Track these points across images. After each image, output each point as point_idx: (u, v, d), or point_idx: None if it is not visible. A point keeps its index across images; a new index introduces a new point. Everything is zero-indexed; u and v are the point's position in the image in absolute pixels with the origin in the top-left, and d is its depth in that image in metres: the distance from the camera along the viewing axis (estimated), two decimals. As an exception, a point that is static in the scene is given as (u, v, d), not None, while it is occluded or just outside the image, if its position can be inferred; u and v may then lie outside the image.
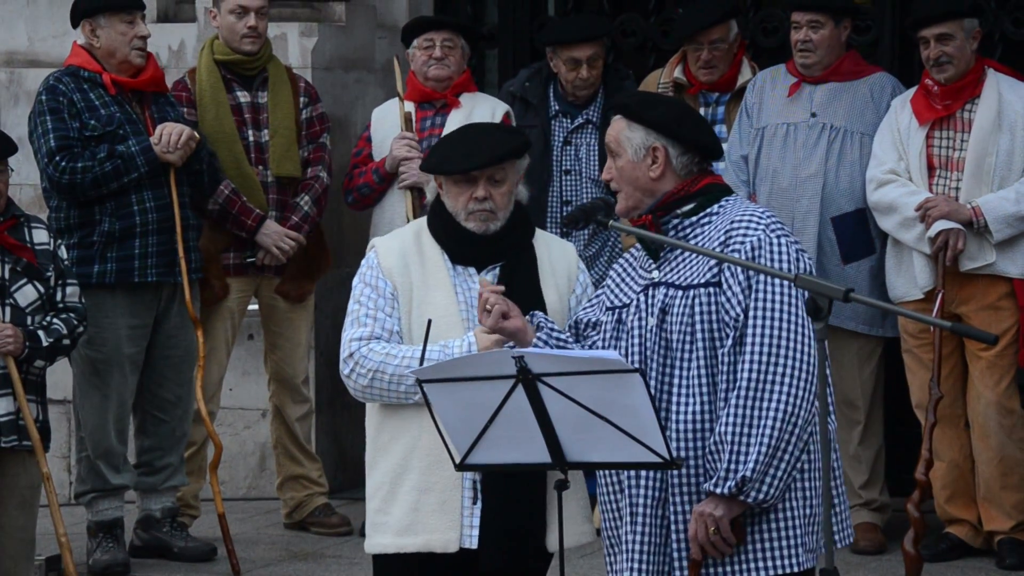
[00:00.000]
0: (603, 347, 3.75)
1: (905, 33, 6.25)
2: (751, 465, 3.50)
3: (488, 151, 3.90)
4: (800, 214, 5.82)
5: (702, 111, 6.13)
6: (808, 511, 3.63)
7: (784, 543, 3.61)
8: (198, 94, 6.08)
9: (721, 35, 6.05)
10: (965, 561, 5.72)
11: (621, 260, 3.85)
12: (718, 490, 3.53)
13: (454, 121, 6.12)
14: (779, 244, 3.60)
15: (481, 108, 6.18)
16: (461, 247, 3.96)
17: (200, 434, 6.06)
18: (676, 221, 3.68)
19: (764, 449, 3.50)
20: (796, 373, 3.54)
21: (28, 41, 7.03)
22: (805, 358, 3.55)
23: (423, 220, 4.06)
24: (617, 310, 3.75)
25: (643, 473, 3.64)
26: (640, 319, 3.67)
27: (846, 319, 5.81)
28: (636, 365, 3.65)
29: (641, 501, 3.64)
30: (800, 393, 3.54)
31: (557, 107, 6.32)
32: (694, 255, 3.65)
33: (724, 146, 6.04)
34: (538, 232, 4.06)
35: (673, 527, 3.63)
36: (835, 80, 5.91)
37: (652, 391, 3.60)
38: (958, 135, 5.68)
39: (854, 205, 5.80)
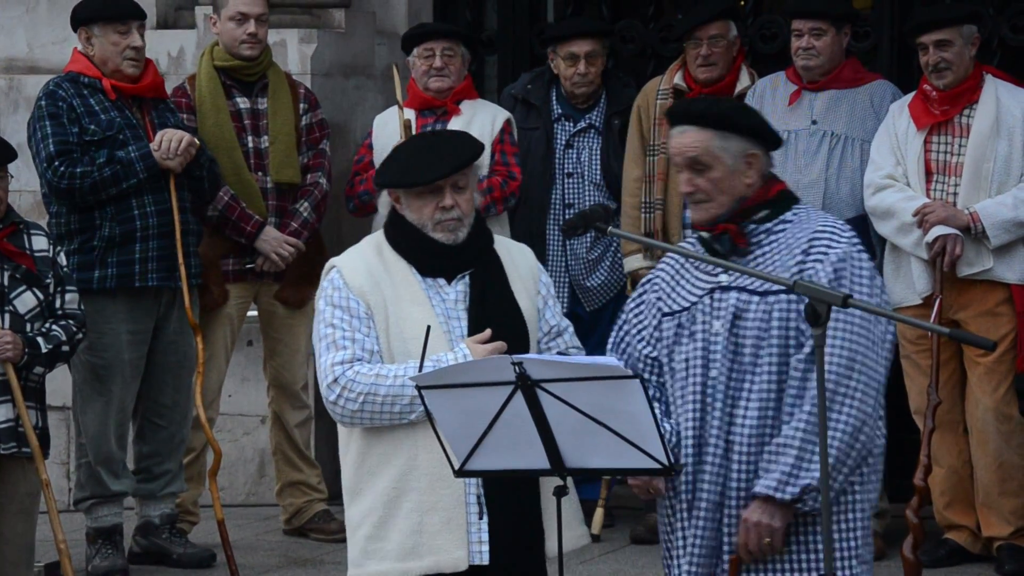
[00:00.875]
0: (665, 352, 3.71)
1: (904, 39, 6.26)
2: (815, 474, 3.50)
3: (451, 158, 3.84)
4: (800, 220, 5.83)
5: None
6: (864, 523, 3.65)
7: (842, 548, 3.61)
8: (198, 100, 6.08)
9: (720, 31, 6.07)
10: (964, 567, 5.72)
11: (666, 263, 3.80)
12: (777, 495, 3.52)
13: (454, 127, 6.12)
14: (860, 259, 3.63)
15: (482, 115, 6.19)
16: (429, 259, 3.89)
17: (199, 440, 6.06)
18: (752, 227, 3.68)
19: (833, 461, 3.51)
20: (867, 388, 3.57)
21: (28, 48, 7.04)
22: (878, 374, 3.59)
23: (379, 235, 3.98)
24: (677, 315, 3.71)
25: (705, 476, 3.62)
26: (704, 323, 3.66)
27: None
28: (698, 369, 3.65)
29: (703, 504, 3.63)
30: (868, 409, 3.58)
31: (560, 110, 6.33)
32: (771, 259, 3.62)
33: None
34: (496, 237, 4.01)
35: (726, 530, 3.63)
36: (835, 88, 5.92)
37: (719, 396, 3.60)
38: (956, 140, 5.69)
39: (855, 212, 5.81)
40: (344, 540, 6.22)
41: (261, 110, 6.14)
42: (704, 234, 3.71)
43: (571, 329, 4.05)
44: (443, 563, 3.81)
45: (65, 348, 5.10)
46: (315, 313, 3.92)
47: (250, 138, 6.11)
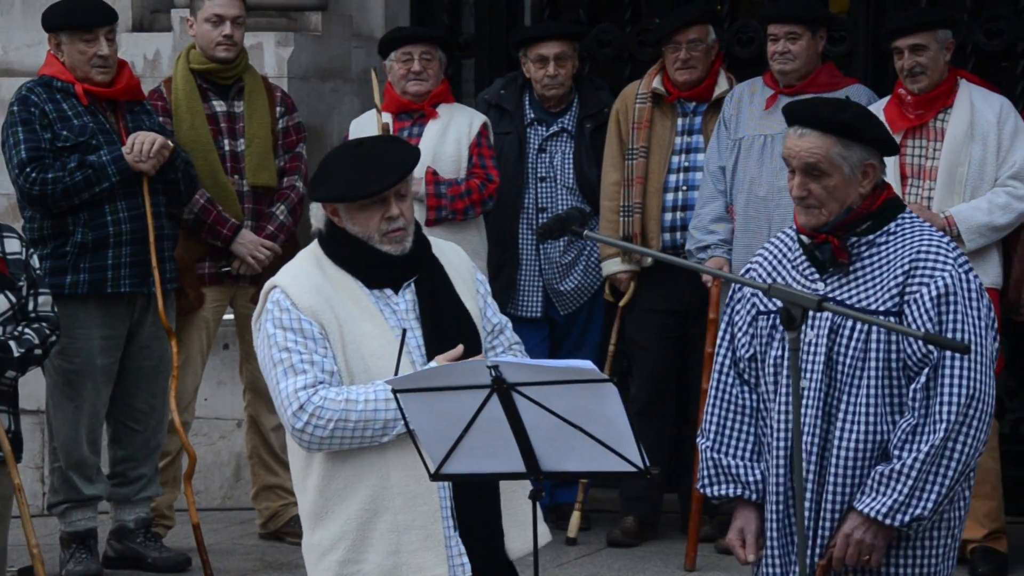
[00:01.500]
0: (760, 351, 3.66)
1: (879, 44, 6.28)
2: (930, 506, 3.48)
3: (396, 167, 3.73)
4: (777, 223, 5.84)
5: (679, 121, 6.16)
6: (950, 540, 3.63)
7: (921, 567, 3.60)
8: (174, 103, 6.07)
9: (699, 35, 6.09)
10: (939, 570, 5.73)
11: (763, 256, 3.72)
12: (887, 521, 3.49)
13: (431, 131, 6.13)
14: (969, 282, 3.55)
15: (459, 119, 6.19)
16: (377, 271, 3.76)
17: (175, 444, 6.05)
18: (854, 239, 3.59)
19: (945, 492, 3.49)
20: (985, 419, 3.54)
21: (2, 51, 7.01)
22: (991, 404, 3.56)
23: (315, 250, 3.81)
24: (772, 315, 3.65)
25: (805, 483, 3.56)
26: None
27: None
28: (788, 376, 3.57)
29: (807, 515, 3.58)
30: (984, 439, 3.55)
31: (532, 114, 6.34)
32: (872, 276, 3.56)
33: (701, 156, 6.09)
34: (431, 240, 3.92)
35: (820, 544, 3.58)
36: (812, 92, 5.93)
37: (812, 407, 3.55)
38: (931, 144, 5.71)
39: (830, 215, 5.83)
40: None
41: (237, 113, 6.13)
42: (805, 238, 3.63)
43: (510, 325, 3.97)
44: None
45: (38, 351, 5.07)
46: (261, 336, 3.75)
47: (226, 141, 6.10)
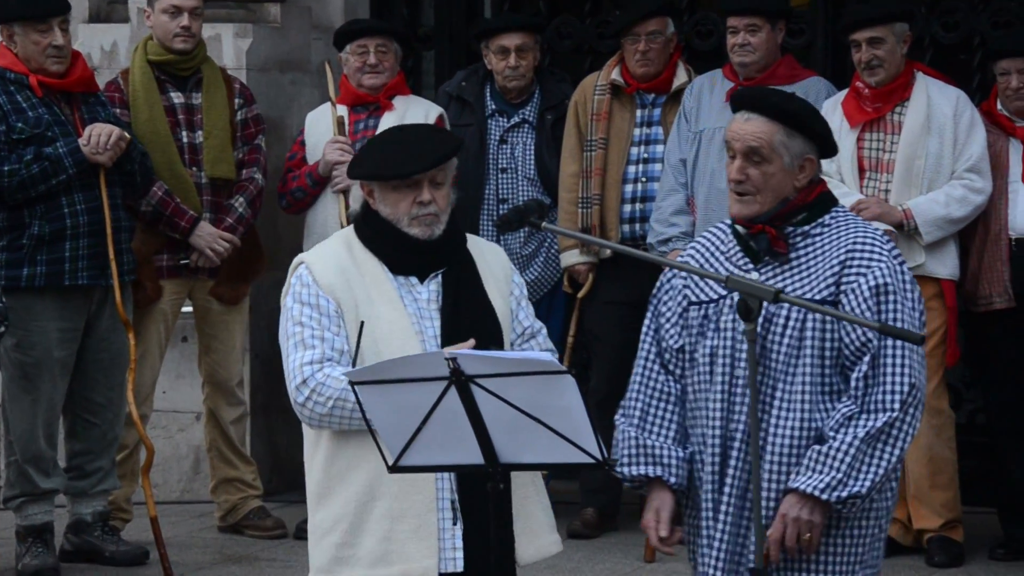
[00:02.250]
0: (691, 343, 3.67)
1: (837, 36, 6.30)
2: (868, 485, 3.50)
3: (431, 153, 3.75)
4: (736, 216, 5.86)
5: (638, 113, 6.17)
6: (877, 530, 3.64)
7: (847, 557, 3.61)
8: (131, 95, 6.03)
9: (658, 27, 6.10)
10: (895, 559, 5.77)
11: (696, 248, 3.73)
12: (824, 496, 3.50)
13: (387, 123, 6.11)
14: (904, 274, 3.59)
15: (414, 110, 6.18)
16: (403, 256, 3.78)
17: (132, 437, 6.02)
18: (790, 230, 3.62)
19: (882, 474, 3.51)
20: (921, 407, 3.57)
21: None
22: (924, 394, 3.59)
23: (349, 231, 3.86)
24: (704, 305, 3.66)
25: (728, 480, 3.59)
26: (734, 320, 3.60)
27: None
28: (726, 366, 3.60)
29: (726, 508, 3.61)
30: (919, 425, 3.58)
31: (494, 106, 6.34)
32: (808, 266, 3.58)
33: (661, 148, 6.10)
34: (469, 236, 3.95)
35: (752, 535, 3.58)
36: (771, 84, 5.94)
37: (745, 398, 3.56)
38: (888, 137, 5.74)
39: (790, 208, 5.85)
40: (278, 537, 6.26)
41: (195, 105, 6.10)
42: (741, 228, 3.65)
43: (544, 331, 3.96)
44: (412, 571, 3.73)
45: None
46: (282, 310, 3.83)
47: (184, 133, 6.07)
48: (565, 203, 6.18)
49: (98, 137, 5.64)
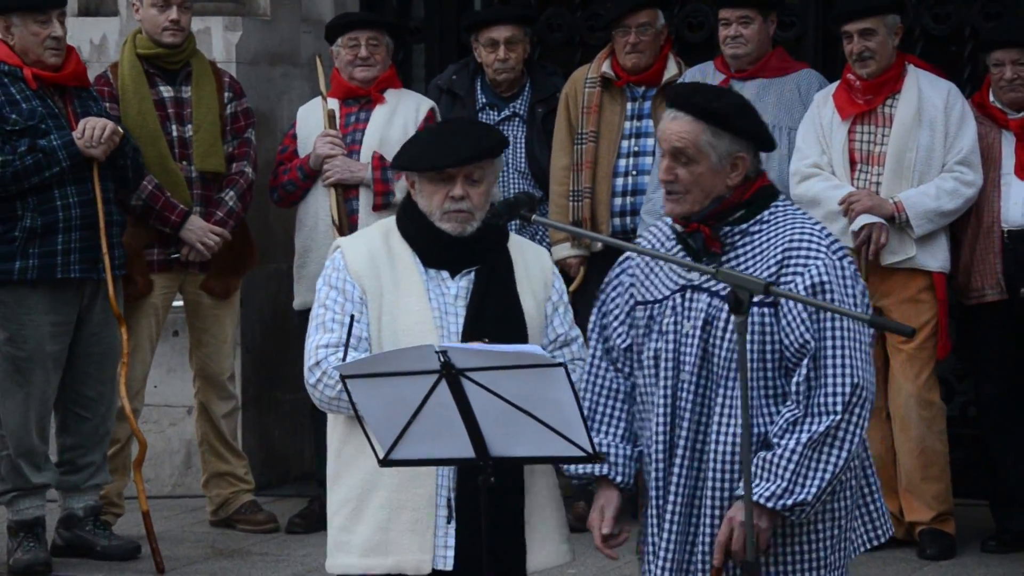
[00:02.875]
0: (637, 343, 3.63)
1: (828, 28, 6.30)
2: (813, 491, 3.46)
3: (466, 148, 3.73)
4: (730, 208, 5.86)
5: (628, 105, 6.16)
6: (837, 531, 3.61)
7: (809, 559, 3.59)
8: (121, 89, 6.02)
9: (649, 19, 6.10)
10: (887, 552, 5.77)
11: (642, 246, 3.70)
12: (769, 504, 3.47)
13: (378, 117, 6.11)
14: (844, 269, 3.51)
15: (405, 104, 6.17)
16: (434, 249, 3.76)
17: (124, 432, 6.01)
18: (727, 229, 3.56)
19: (829, 478, 3.47)
20: (868, 407, 3.51)
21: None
22: (872, 391, 3.53)
23: (391, 220, 3.85)
24: (649, 305, 3.63)
25: (672, 487, 3.57)
26: (676, 321, 3.57)
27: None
28: (669, 369, 3.56)
29: (670, 515, 3.59)
30: (866, 426, 3.53)
31: (484, 99, 6.33)
32: (746, 262, 3.52)
33: (652, 142, 6.09)
34: (512, 236, 3.90)
35: (701, 539, 3.57)
36: (763, 76, 5.96)
37: (689, 399, 3.53)
38: (879, 130, 5.74)
39: (782, 200, 5.85)
40: (270, 531, 6.27)
41: (185, 98, 6.08)
42: (678, 227, 3.61)
43: (580, 340, 3.90)
44: (405, 564, 3.73)
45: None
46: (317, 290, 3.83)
47: (174, 127, 6.06)
48: (556, 196, 6.17)
49: (92, 130, 5.63)
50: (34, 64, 5.68)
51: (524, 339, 3.78)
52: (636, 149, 6.14)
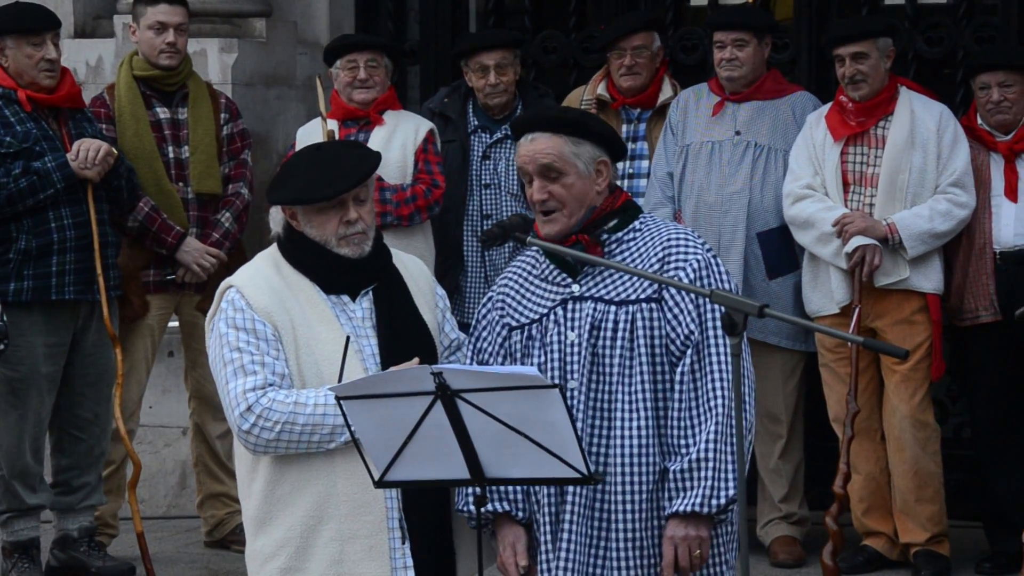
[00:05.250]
0: (514, 365, 3.70)
1: (821, 51, 6.33)
2: (733, 484, 3.53)
3: (353, 171, 3.71)
4: (727, 230, 5.88)
5: (624, 128, 6.18)
6: (731, 528, 3.68)
7: (718, 567, 3.66)
8: (117, 110, 6.03)
9: (644, 42, 6.12)
10: (882, 573, 5.78)
11: (508, 278, 3.77)
12: (704, 510, 3.53)
13: (377, 138, 6.13)
14: (718, 264, 3.66)
15: (405, 125, 6.19)
16: (334, 275, 3.73)
17: (119, 452, 6.01)
18: (605, 236, 3.66)
19: (741, 469, 3.51)
20: (752, 392, 3.61)
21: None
22: (753, 378, 3.63)
23: (274, 253, 3.80)
24: (526, 327, 3.70)
25: (568, 496, 3.60)
26: (559, 333, 3.64)
27: (770, 334, 5.87)
28: (556, 380, 3.63)
29: (568, 525, 3.61)
30: (754, 412, 3.62)
31: (476, 122, 6.35)
32: (630, 264, 3.63)
33: (647, 163, 6.11)
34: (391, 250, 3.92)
35: (611, 543, 3.60)
36: (758, 99, 5.98)
37: (580, 406, 3.59)
38: (872, 151, 5.76)
39: (779, 221, 5.87)
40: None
41: (181, 120, 6.10)
42: (549, 246, 3.65)
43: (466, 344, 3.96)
44: None
45: (-19, 360, 5.04)
46: (214, 336, 3.74)
47: (171, 148, 6.07)
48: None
49: (86, 152, 5.64)
50: (28, 86, 5.69)
51: (434, 351, 3.82)
52: (631, 171, 6.16)
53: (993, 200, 5.75)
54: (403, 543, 3.72)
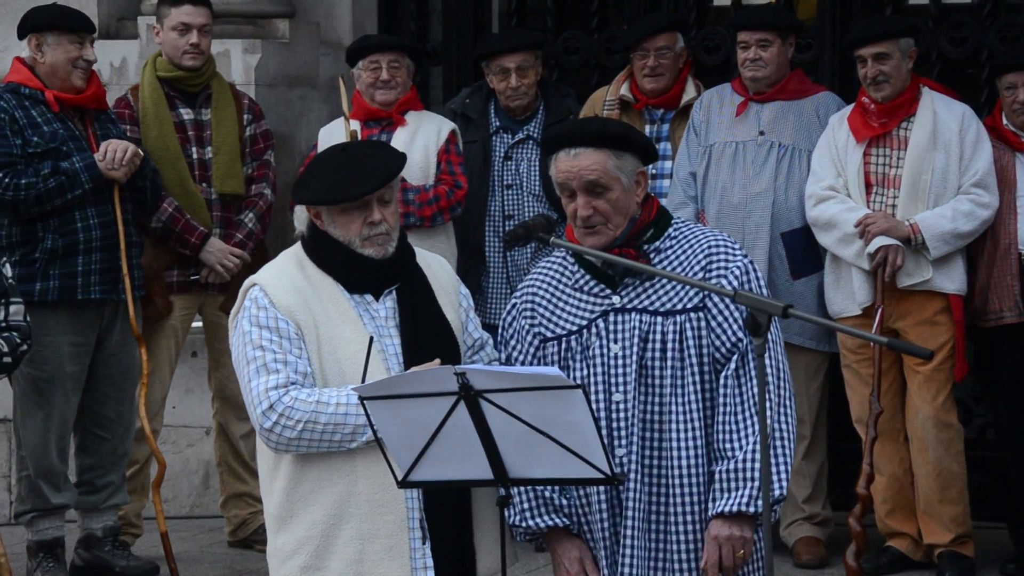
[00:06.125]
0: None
1: (845, 50, 6.32)
2: (784, 484, 3.54)
3: (378, 172, 3.73)
4: (751, 230, 5.87)
5: (647, 128, 6.17)
6: (762, 530, 3.65)
7: (755, 563, 3.67)
8: (141, 111, 6.06)
9: (668, 43, 6.11)
10: (905, 574, 5.77)
11: (536, 285, 3.73)
12: (751, 509, 3.53)
13: (399, 138, 6.14)
14: (755, 269, 3.68)
15: (427, 126, 6.20)
16: (358, 275, 3.74)
17: (143, 452, 6.03)
18: (645, 247, 3.66)
19: (788, 470, 3.55)
20: (794, 394, 3.62)
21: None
22: (791, 379, 3.65)
23: (298, 251, 3.81)
24: (562, 339, 3.68)
25: (629, 509, 3.59)
26: (602, 346, 3.62)
27: (793, 334, 5.86)
28: (599, 393, 3.62)
29: (629, 532, 3.61)
30: (793, 406, 3.64)
31: (498, 123, 6.35)
32: (663, 280, 3.62)
33: (670, 164, 6.11)
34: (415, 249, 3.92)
35: (671, 557, 3.60)
36: (782, 99, 5.97)
37: (631, 419, 3.58)
38: (894, 153, 5.75)
39: (803, 221, 5.86)
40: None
41: (205, 121, 6.12)
42: (594, 259, 3.65)
43: (491, 342, 3.95)
44: None
45: (7, 360, 5.06)
46: (237, 334, 3.75)
47: (194, 149, 6.10)
48: (574, 218, 6.18)
49: (114, 153, 5.67)
50: (57, 87, 5.72)
51: (456, 350, 3.81)
52: (654, 172, 6.15)
53: (1018, 201, 5.73)
54: (424, 543, 3.72)
